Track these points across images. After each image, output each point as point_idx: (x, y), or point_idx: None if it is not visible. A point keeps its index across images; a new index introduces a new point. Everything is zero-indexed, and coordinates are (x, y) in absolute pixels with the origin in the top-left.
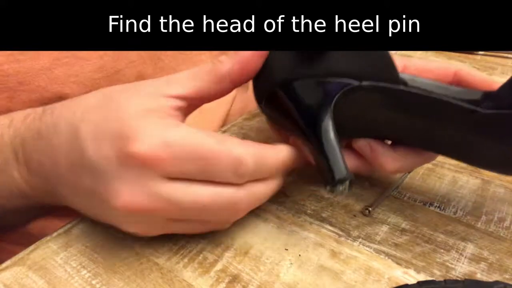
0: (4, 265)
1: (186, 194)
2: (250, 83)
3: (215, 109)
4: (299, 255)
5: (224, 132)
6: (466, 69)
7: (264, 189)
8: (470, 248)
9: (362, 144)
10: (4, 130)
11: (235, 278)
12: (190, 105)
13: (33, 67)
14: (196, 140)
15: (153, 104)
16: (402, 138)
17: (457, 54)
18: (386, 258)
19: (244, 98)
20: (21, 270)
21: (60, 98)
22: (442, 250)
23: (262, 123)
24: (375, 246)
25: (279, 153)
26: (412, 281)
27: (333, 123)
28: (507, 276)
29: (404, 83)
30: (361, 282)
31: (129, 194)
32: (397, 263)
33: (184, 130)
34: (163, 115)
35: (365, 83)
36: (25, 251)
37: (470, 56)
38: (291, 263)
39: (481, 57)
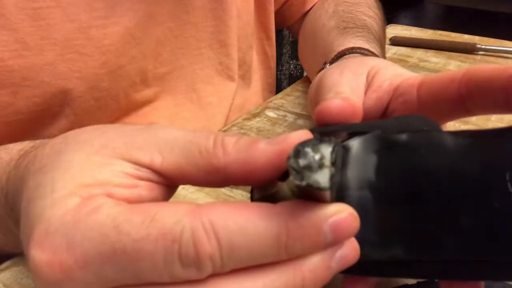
0: (4, 265)
1: None
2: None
3: (217, 103)
4: None
5: (225, 131)
6: (475, 67)
7: (254, 286)
8: None
9: None
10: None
11: None
12: (166, 180)
13: (37, 62)
14: (110, 227)
15: (102, 173)
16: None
17: (457, 54)
18: None
19: (243, 95)
20: (21, 270)
21: (64, 93)
22: None
23: (262, 123)
24: None
25: (271, 221)
26: (412, 281)
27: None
28: None
29: None
30: None
31: None
32: None
33: (100, 216)
34: (98, 191)
35: None
36: None
37: (470, 56)
38: None
39: (481, 57)
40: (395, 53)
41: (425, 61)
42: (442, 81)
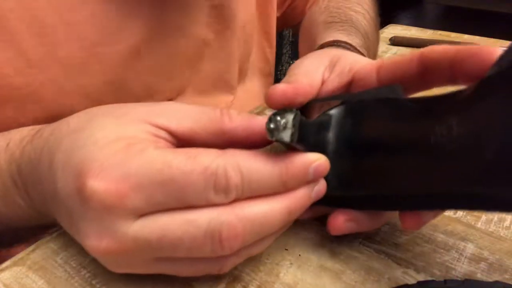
0: (4, 265)
1: (153, 231)
2: (253, 83)
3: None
4: (299, 255)
5: None
6: (429, 48)
7: (264, 208)
8: (470, 248)
9: None
10: (0, 154)
11: (235, 278)
12: (178, 142)
13: (41, 79)
14: (160, 163)
15: (129, 130)
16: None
17: None
18: (386, 258)
19: (242, 99)
20: (21, 270)
21: (67, 109)
22: (442, 250)
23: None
24: (375, 246)
25: (276, 164)
26: (412, 281)
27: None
28: (507, 276)
29: None
30: (361, 282)
31: (96, 237)
32: (397, 263)
33: (148, 155)
34: (134, 141)
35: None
36: (25, 251)
37: None
38: (291, 263)
39: None
40: (395, 53)
41: None
42: (402, 62)
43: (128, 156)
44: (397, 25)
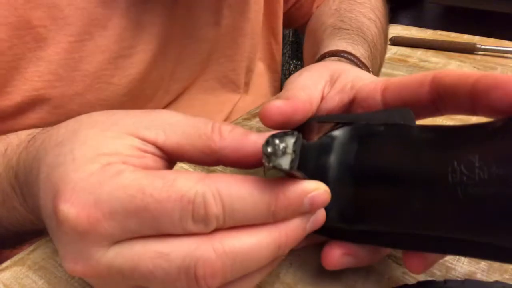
0: (4, 265)
1: (126, 261)
2: (256, 85)
3: (218, 110)
4: (299, 255)
5: None
6: (442, 71)
7: (249, 242)
8: None
9: None
10: None
11: None
12: (167, 156)
13: (67, 93)
14: (134, 188)
15: (112, 145)
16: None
17: (457, 54)
18: (386, 258)
19: (247, 100)
20: (21, 270)
21: None
22: None
23: (261, 123)
24: None
25: (265, 193)
26: (412, 281)
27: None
28: (507, 276)
29: None
30: (361, 282)
31: (71, 261)
32: (397, 263)
33: (123, 179)
34: (114, 159)
35: None
36: (25, 251)
37: (470, 56)
38: (291, 263)
39: (481, 57)
40: (395, 53)
41: (425, 61)
42: (411, 85)
43: (102, 179)
44: (397, 25)
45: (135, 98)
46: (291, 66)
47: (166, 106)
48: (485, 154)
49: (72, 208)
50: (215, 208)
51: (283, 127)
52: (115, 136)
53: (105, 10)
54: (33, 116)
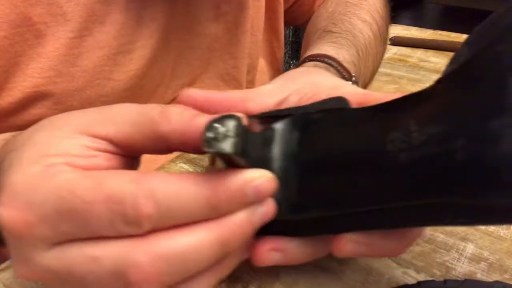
0: (4, 265)
1: (62, 264)
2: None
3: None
4: None
5: None
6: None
7: (186, 241)
8: (470, 248)
9: None
10: None
11: (235, 278)
12: (122, 150)
13: (68, 89)
14: (66, 190)
15: (62, 146)
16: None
17: None
18: (386, 258)
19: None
20: None
21: None
22: (442, 250)
23: None
24: None
25: (203, 186)
26: (412, 281)
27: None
28: (507, 276)
29: None
30: (361, 282)
31: (16, 263)
32: (397, 263)
33: (57, 181)
34: (58, 161)
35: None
36: None
37: None
38: None
39: None
40: (395, 53)
41: (425, 61)
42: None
43: (39, 181)
44: (397, 25)
45: (135, 94)
46: (291, 66)
47: (169, 103)
48: (419, 118)
49: (9, 210)
50: (146, 209)
51: None
52: (65, 136)
53: (104, 6)
54: (34, 112)
